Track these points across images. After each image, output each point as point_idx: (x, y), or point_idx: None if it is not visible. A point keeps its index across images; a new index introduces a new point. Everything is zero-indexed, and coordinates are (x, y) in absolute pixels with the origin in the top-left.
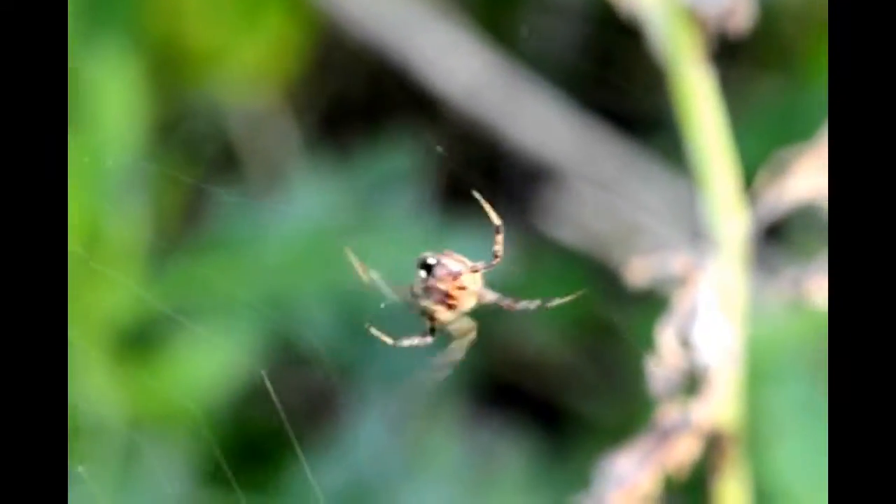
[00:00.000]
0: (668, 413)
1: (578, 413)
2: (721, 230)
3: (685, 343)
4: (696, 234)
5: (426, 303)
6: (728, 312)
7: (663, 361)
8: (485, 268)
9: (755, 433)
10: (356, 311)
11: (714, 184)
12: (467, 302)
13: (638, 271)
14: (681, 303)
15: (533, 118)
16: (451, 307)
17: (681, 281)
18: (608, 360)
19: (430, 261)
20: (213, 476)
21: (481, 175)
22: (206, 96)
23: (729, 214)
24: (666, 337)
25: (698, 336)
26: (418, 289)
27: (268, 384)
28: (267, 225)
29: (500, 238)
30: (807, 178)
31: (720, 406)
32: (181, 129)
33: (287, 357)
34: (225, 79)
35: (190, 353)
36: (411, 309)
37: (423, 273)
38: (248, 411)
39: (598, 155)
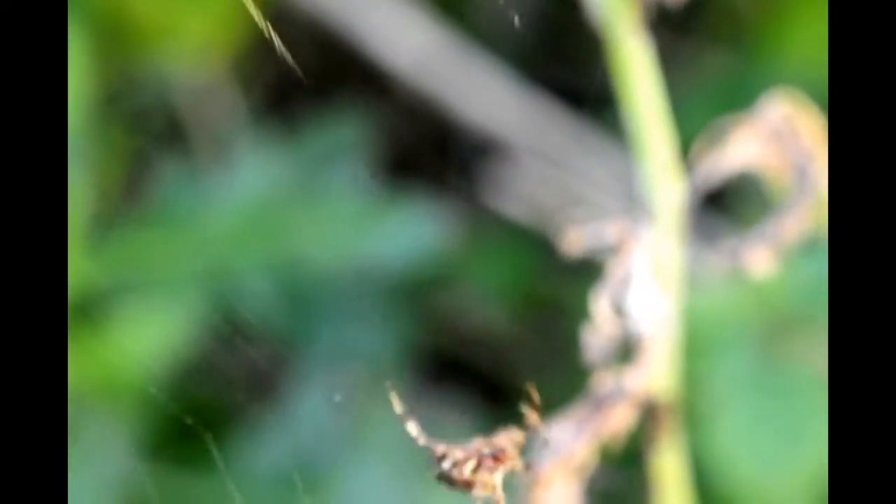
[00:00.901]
0: (603, 382)
1: (524, 388)
2: (656, 198)
3: (619, 311)
4: (632, 203)
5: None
6: (663, 281)
7: (597, 330)
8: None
9: (699, 407)
10: (300, 284)
11: (649, 151)
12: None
13: (573, 240)
14: (614, 270)
15: (481, 92)
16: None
17: (615, 249)
18: (555, 334)
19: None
20: (156, 450)
21: (429, 149)
22: (152, 69)
23: (664, 182)
24: (600, 305)
25: (632, 304)
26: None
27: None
28: (210, 196)
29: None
30: (744, 148)
31: (656, 375)
32: (125, 101)
33: (230, 330)
34: (171, 51)
35: (132, 325)
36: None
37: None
38: (191, 385)
39: (547, 129)
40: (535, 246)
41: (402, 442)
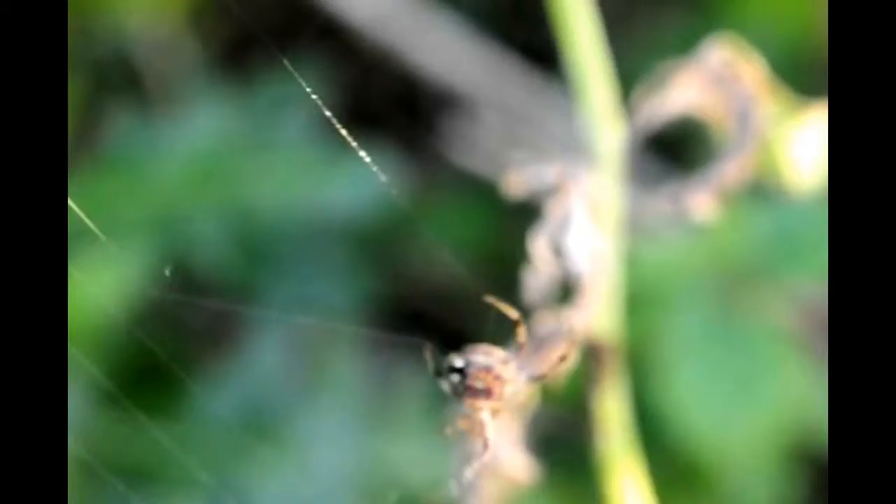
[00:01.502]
0: (544, 323)
1: (482, 339)
2: (597, 142)
3: (557, 251)
4: (574, 147)
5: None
6: (602, 221)
7: (537, 270)
8: (514, 359)
9: (656, 359)
10: (254, 233)
11: (590, 97)
12: (505, 391)
13: (514, 182)
14: (553, 211)
15: (442, 47)
16: (490, 398)
17: (555, 190)
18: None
19: (459, 363)
20: (111, 399)
21: (389, 102)
22: (110, 21)
23: (604, 127)
24: (538, 245)
25: (570, 244)
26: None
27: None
28: (163, 145)
29: (521, 330)
30: (685, 93)
31: (597, 316)
32: (82, 53)
33: (186, 279)
34: (129, 4)
35: (87, 273)
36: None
37: (455, 377)
38: (146, 333)
39: (507, 84)
40: (496, 200)
41: (357, 391)
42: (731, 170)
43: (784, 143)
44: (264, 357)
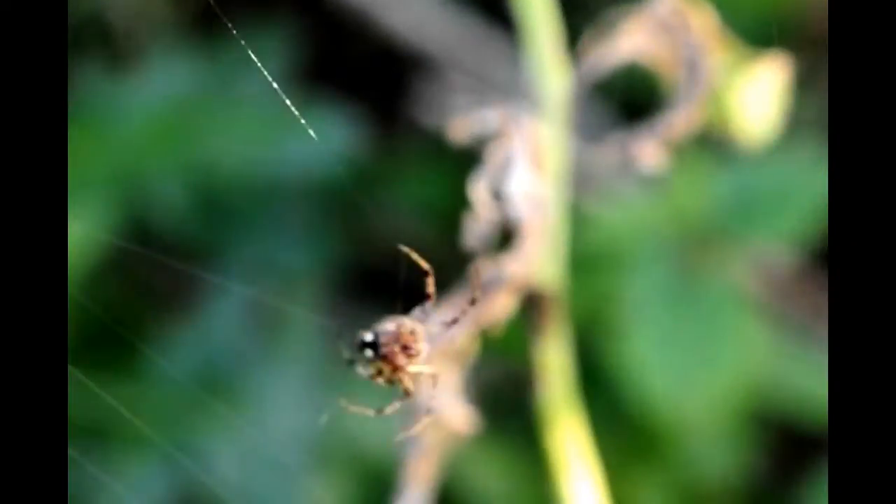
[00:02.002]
0: (484, 269)
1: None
2: (542, 87)
3: (497, 196)
4: (519, 92)
5: (389, 371)
6: (546, 169)
7: (477, 216)
8: (423, 318)
9: (611, 321)
10: (215, 190)
11: (536, 43)
12: (423, 345)
13: (458, 127)
14: (494, 155)
15: (408, 7)
16: (412, 357)
17: (497, 135)
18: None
19: (369, 337)
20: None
21: (352, 61)
22: None
23: (550, 72)
24: (478, 190)
25: (511, 189)
26: (375, 367)
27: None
28: (125, 100)
29: (430, 281)
30: (633, 40)
31: (538, 263)
32: None
33: (145, 236)
34: None
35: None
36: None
37: (370, 352)
38: (105, 290)
39: (470, 43)
40: (465, 161)
41: (314, 351)
42: (679, 119)
43: (735, 93)
44: (222, 316)
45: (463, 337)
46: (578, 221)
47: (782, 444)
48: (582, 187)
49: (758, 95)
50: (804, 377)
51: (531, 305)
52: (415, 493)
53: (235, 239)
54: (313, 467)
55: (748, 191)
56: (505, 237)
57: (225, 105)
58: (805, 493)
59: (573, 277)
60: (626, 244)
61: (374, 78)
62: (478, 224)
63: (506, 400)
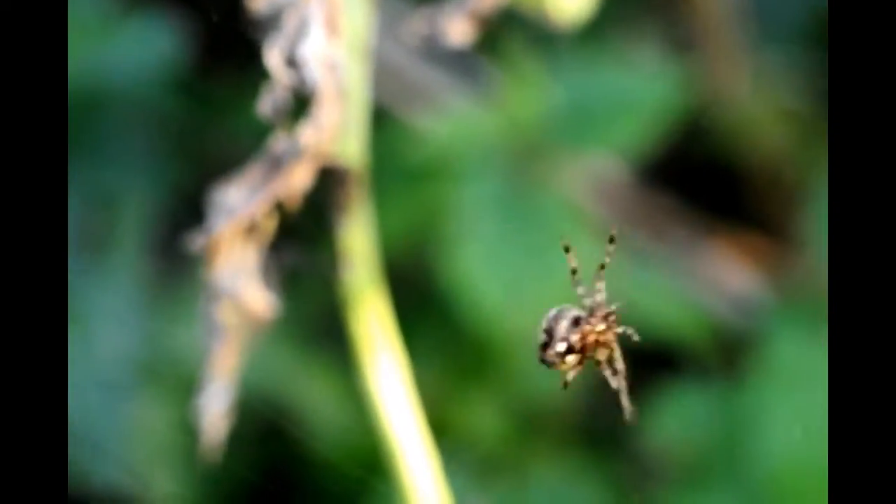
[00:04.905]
0: (279, 141)
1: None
2: None
3: (291, 62)
4: None
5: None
6: (347, 37)
7: (272, 84)
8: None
9: (444, 233)
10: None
11: None
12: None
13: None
14: (289, 20)
15: None
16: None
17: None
18: None
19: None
20: None
21: None
22: None
23: None
24: (272, 56)
25: (306, 55)
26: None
27: None
28: None
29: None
30: None
31: (337, 135)
32: None
33: None
34: None
35: None
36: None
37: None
38: None
39: None
40: None
41: (142, 272)
42: None
43: None
44: None
45: (259, 210)
46: (410, 135)
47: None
48: (413, 102)
49: None
50: (641, 295)
51: (332, 182)
52: (218, 384)
53: (77, 158)
54: (139, 387)
55: (582, 102)
56: (301, 106)
57: None
58: (646, 409)
59: (404, 191)
60: (457, 156)
61: None
62: (272, 93)
63: (310, 282)
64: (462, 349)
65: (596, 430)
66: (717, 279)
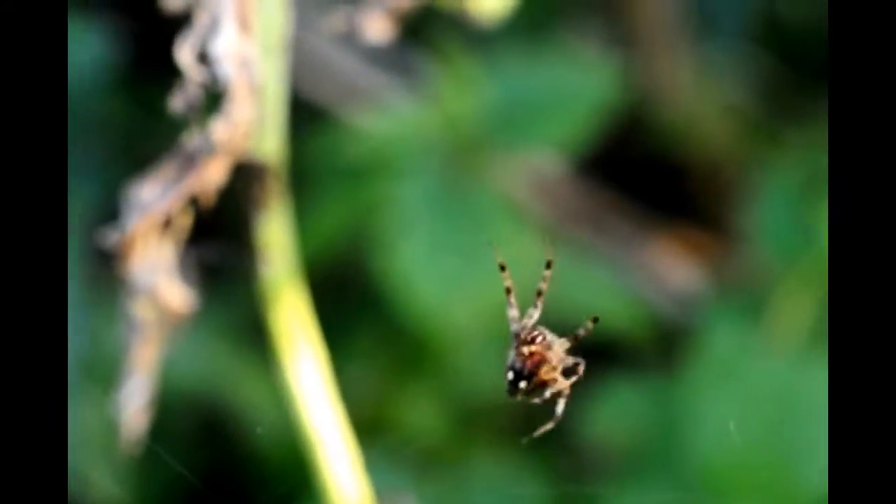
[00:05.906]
0: (193, 136)
1: None
2: None
3: (203, 59)
4: None
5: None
6: (263, 34)
7: (184, 80)
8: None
9: (380, 231)
10: None
11: None
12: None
13: None
14: (201, 17)
15: None
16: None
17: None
18: None
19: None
20: None
21: None
22: None
23: None
24: (183, 53)
25: (218, 51)
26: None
27: None
28: None
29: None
30: None
31: (251, 131)
32: None
33: None
34: None
35: None
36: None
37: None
38: None
39: None
40: None
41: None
42: None
43: None
44: None
45: (174, 206)
46: (347, 133)
47: None
48: (350, 101)
49: None
50: (580, 289)
51: (249, 178)
52: (138, 379)
53: None
54: (79, 387)
55: (520, 97)
56: (214, 102)
57: None
58: (584, 402)
59: (342, 189)
60: (394, 154)
61: None
62: (184, 89)
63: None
64: (401, 346)
65: (534, 425)
66: (657, 273)
